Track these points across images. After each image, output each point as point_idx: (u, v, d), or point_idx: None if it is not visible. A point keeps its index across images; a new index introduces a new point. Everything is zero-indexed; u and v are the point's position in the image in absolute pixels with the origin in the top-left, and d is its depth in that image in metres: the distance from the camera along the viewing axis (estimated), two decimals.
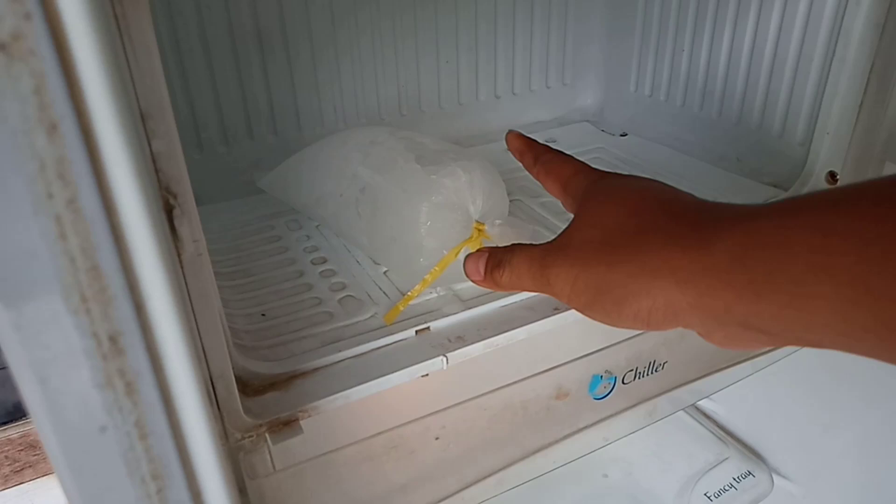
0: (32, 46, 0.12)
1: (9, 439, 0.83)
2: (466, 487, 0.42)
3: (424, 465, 0.39)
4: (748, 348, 0.28)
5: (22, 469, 0.86)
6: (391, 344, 0.40)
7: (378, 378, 0.37)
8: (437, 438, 0.39)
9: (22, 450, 0.85)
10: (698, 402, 0.78)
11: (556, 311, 0.43)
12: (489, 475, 0.42)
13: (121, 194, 0.14)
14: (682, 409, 0.78)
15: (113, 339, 0.15)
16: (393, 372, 0.38)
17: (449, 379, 0.40)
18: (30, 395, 0.15)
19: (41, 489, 0.87)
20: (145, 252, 0.15)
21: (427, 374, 0.38)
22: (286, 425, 0.36)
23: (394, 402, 0.38)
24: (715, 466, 0.69)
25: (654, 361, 0.46)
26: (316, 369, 0.38)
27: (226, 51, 0.58)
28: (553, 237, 0.33)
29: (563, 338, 0.43)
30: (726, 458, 0.70)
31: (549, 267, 0.31)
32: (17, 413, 0.84)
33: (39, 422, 0.15)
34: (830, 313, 0.22)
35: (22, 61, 0.12)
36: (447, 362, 0.39)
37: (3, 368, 0.77)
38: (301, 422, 0.36)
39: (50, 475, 0.88)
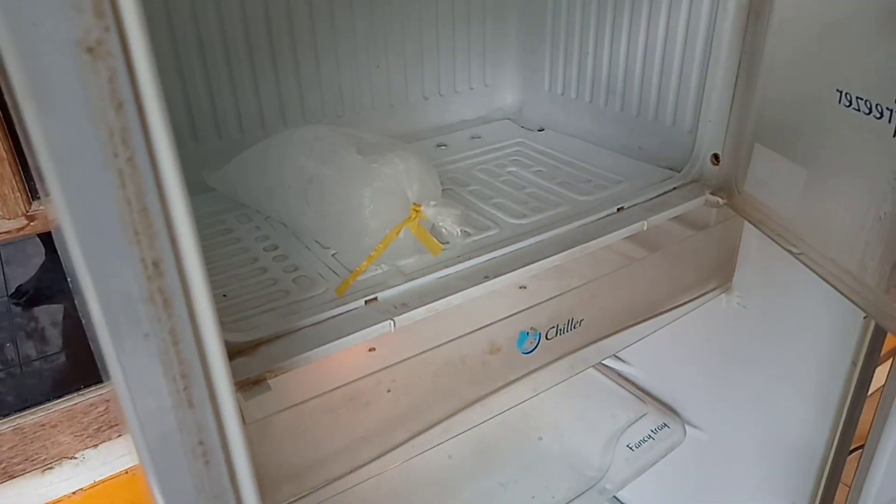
0: (110, 49, 0.17)
1: None
2: (416, 435, 0.48)
3: (379, 416, 0.45)
4: None
5: None
6: (344, 313, 0.46)
7: (335, 340, 0.43)
8: (388, 391, 0.45)
9: None
10: (620, 368, 0.87)
11: (486, 279, 0.49)
12: (436, 424, 0.48)
13: (162, 156, 0.19)
14: (606, 376, 0.86)
15: (156, 264, 0.20)
16: (348, 335, 0.43)
17: (396, 339, 0.46)
18: (95, 310, 0.20)
19: None
20: (177, 199, 0.20)
21: (377, 336, 0.44)
22: (256, 384, 0.40)
23: (349, 360, 0.44)
24: (635, 422, 0.78)
25: (573, 319, 0.53)
26: (278, 336, 0.43)
27: (168, 57, 0.62)
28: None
29: (491, 301, 0.50)
30: (645, 414, 0.79)
31: None
32: None
33: (100, 330, 0.20)
34: None
35: (102, 60, 0.17)
36: (394, 325, 0.45)
37: None
38: (269, 381, 0.41)
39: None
